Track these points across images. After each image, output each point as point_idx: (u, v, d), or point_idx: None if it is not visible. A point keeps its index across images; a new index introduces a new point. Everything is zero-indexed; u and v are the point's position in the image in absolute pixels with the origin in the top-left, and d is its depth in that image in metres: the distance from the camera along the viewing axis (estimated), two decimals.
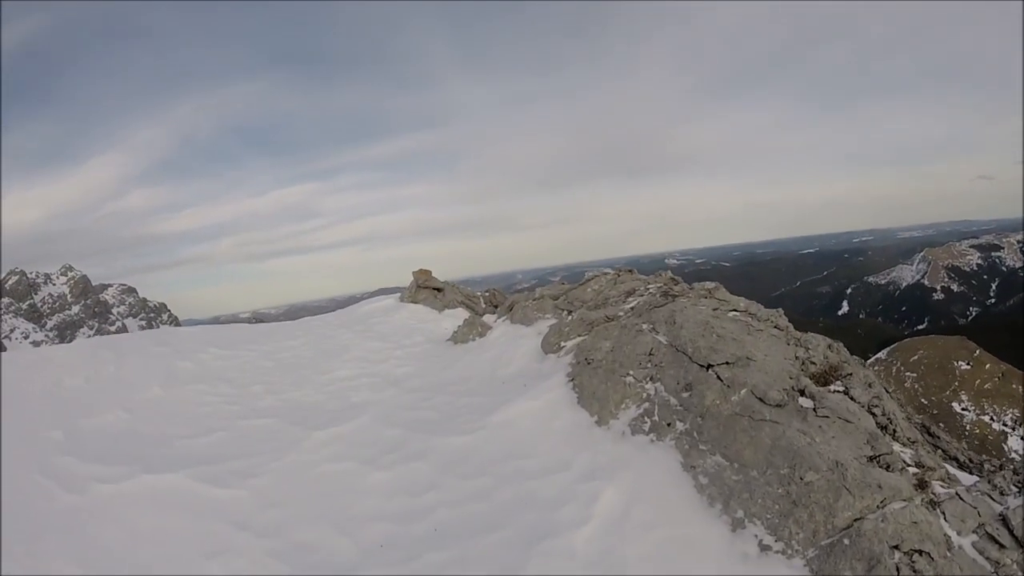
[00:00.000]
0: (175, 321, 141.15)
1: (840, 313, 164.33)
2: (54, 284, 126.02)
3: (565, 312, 9.08)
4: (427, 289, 14.25)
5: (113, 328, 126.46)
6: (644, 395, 6.01)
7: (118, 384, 8.78)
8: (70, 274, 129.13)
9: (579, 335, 7.86)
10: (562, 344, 7.92)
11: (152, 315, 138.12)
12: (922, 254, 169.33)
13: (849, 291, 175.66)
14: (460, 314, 13.30)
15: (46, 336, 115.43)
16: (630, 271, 9.56)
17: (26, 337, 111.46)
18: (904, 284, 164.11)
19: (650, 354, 6.40)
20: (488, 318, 10.93)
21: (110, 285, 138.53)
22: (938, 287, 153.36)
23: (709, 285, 8.45)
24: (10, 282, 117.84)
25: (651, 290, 8.36)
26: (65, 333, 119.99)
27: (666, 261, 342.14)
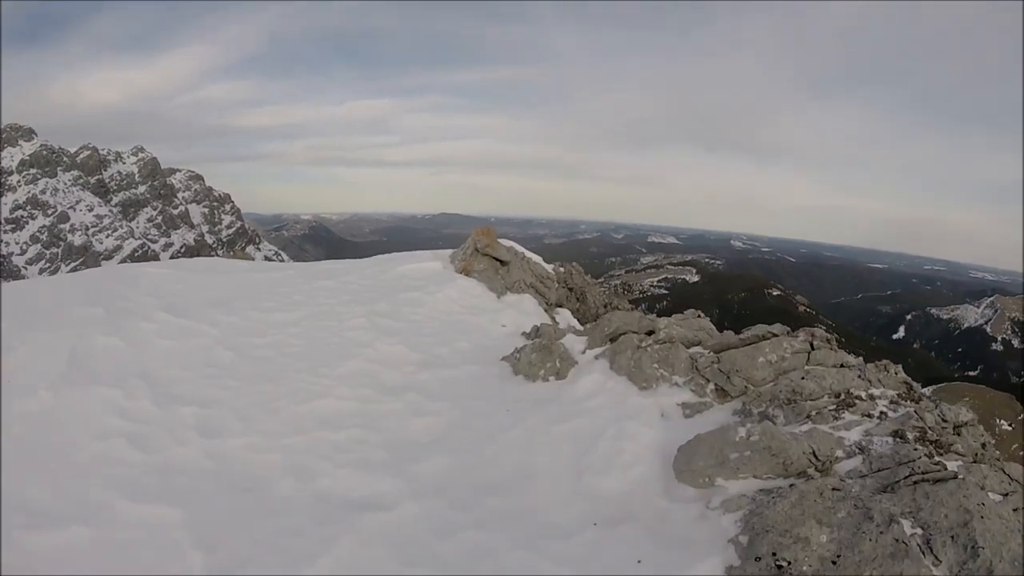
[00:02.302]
0: (237, 213, 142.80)
1: (895, 337, 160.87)
2: (124, 163, 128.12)
3: (711, 387, 5.34)
4: (487, 257, 10.57)
5: (176, 212, 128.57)
6: None
7: None
8: (141, 155, 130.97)
9: (757, 475, 4.08)
10: (718, 482, 4.17)
11: (215, 204, 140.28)
12: (992, 299, 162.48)
13: (909, 317, 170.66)
14: (526, 304, 9.64)
15: (110, 211, 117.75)
16: (828, 341, 5.65)
17: (90, 210, 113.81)
18: (965, 325, 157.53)
19: None
20: (571, 339, 7.16)
21: (179, 170, 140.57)
22: (999, 337, 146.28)
23: (965, 415, 4.65)
24: (81, 156, 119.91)
25: (884, 407, 4.53)
26: (129, 211, 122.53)
27: (732, 242, 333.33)
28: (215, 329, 7.23)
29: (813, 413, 4.56)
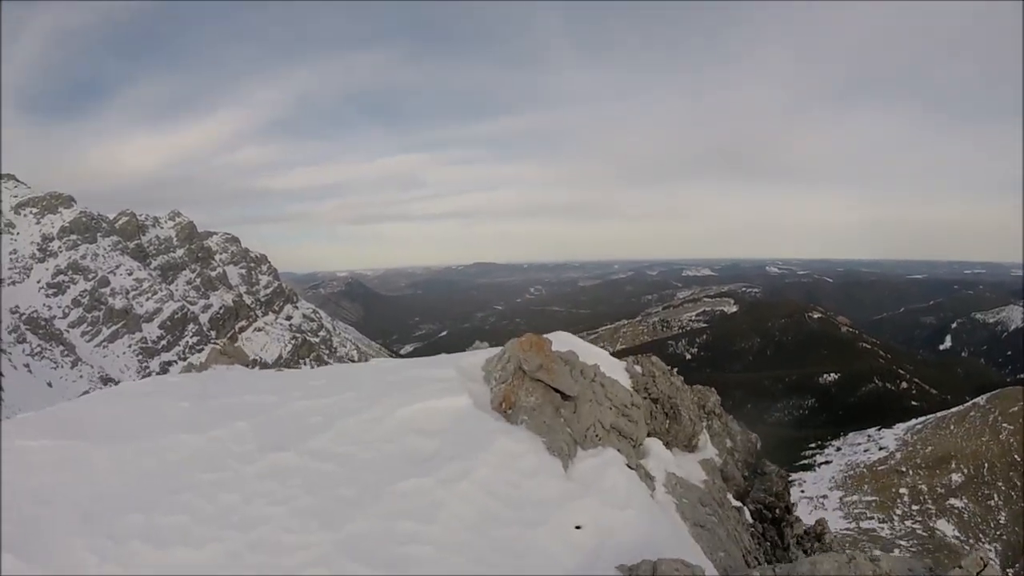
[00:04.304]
0: (274, 273, 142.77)
1: (942, 348, 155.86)
2: (161, 227, 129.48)
3: None
4: (540, 385, 6.59)
5: (213, 273, 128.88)
6: None
7: None
8: (178, 219, 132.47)
9: None
10: None
11: (252, 265, 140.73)
12: None
13: (954, 325, 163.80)
14: (611, 475, 5.70)
15: (149, 274, 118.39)
16: None
17: (130, 274, 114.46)
18: (1013, 326, 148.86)
19: None
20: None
21: (215, 233, 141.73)
22: None
23: None
24: (120, 222, 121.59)
25: None
26: (168, 274, 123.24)
27: (767, 268, 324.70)
28: None
29: None
